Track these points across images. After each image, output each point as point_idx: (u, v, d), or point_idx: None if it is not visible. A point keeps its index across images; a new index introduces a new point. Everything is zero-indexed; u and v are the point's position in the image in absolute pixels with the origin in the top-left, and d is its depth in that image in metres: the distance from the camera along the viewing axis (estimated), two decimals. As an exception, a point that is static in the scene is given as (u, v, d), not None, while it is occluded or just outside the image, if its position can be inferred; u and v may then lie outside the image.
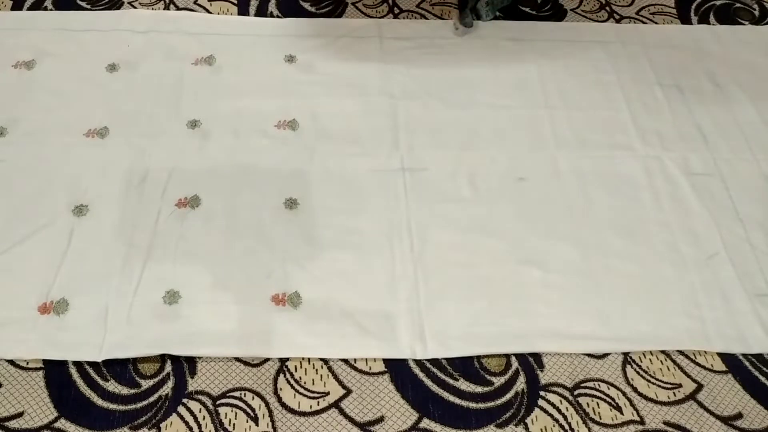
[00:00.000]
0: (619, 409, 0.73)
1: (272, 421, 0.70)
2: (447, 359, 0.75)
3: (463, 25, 1.06)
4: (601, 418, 0.72)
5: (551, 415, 0.72)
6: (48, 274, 0.78)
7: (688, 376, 0.75)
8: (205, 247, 0.81)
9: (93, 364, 0.73)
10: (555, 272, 0.82)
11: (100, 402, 0.70)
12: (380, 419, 0.71)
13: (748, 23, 1.16)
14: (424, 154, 0.92)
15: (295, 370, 0.74)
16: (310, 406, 0.71)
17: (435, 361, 0.75)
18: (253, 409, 0.71)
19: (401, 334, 0.76)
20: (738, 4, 1.19)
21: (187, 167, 0.88)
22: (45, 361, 0.73)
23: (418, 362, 0.75)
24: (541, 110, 0.99)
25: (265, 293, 0.78)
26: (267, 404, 0.71)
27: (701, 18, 1.16)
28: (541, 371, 0.75)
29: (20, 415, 0.69)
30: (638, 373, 0.75)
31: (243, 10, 1.11)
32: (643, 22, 1.14)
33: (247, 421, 0.70)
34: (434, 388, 0.73)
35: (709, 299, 0.80)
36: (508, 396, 0.73)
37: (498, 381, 0.74)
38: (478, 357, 0.76)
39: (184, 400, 0.71)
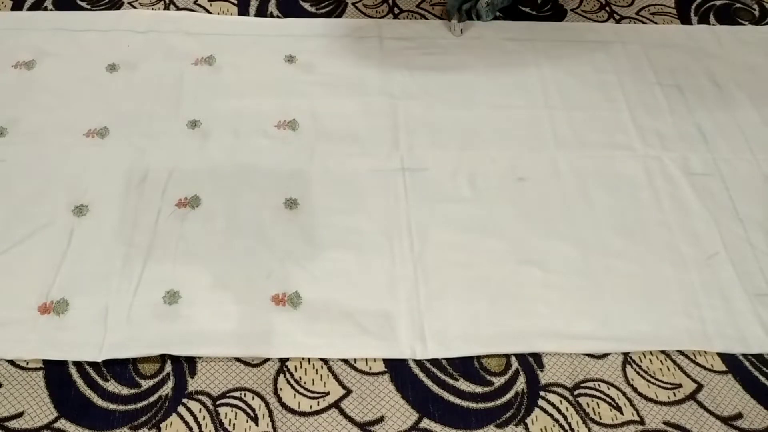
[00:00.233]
0: (619, 409, 0.73)
1: (272, 421, 0.70)
2: (447, 359, 0.75)
3: (458, 25, 1.05)
4: (601, 418, 0.72)
5: (551, 415, 0.72)
6: (48, 274, 0.78)
7: (688, 376, 0.75)
8: (205, 247, 0.81)
9: (93, 364, 0.73)
10: (555, 272, 0.82)
11: (100, 402, 0.70)
12: (380, 419, 0.71)
13: (748, 23, 1.16)
14: (424, 154, 0.92)
15: (295, 370, 0.74)
16: (310, 406, 0.71)
17: (435, 361, 0.75)
18: (253, 409, 0.71)
19: (401, 334, 0.76)
20: (738, 4, 1.19)
21: (187, 167, 0.88)
22: (45, 361, 0.73)
23: (418, 362, 0.75)
24: (541, 110, 0.99)
25: (265, 293, 0.78)
26: (267, 404, 0.71)
27: (701, 18, 1.16)
28: (541, 371, 0.75)
29: (20, 415, 0.69)
30: (638, 373, 0.75)
31: (243, 10, 1.11)
32: (643, 22, 1.14)
33: (247, 421, 0.70)
34: (434, 388, 0.73)
35: (709, 299, 0.80)
36: (508, 396, 0.73)
37: (498, 381, 0.74)
38: (478, 357, 0.76)
39: (184, 400, 0.71)
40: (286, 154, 0.91)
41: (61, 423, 0.69)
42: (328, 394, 0.72)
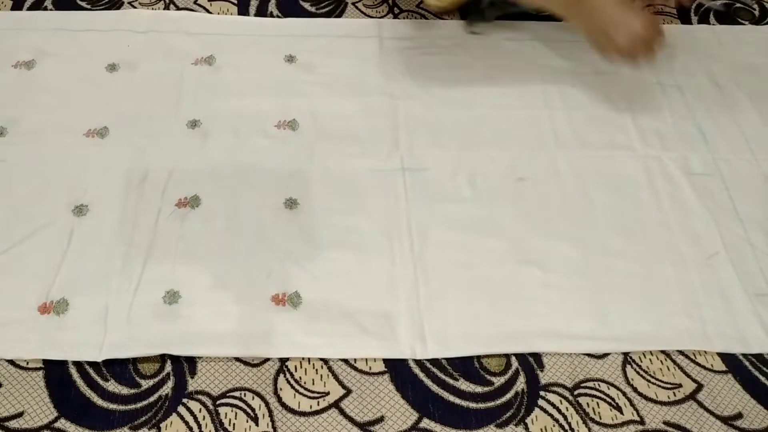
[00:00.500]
0: (619, 409, 0.73)
1: (272, 421, 0.70)
2: (447, 359, 0.75)
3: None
4: (601, 418, 0.72)
5: (551, 415, 0.72)
6: (48, 274, 0.77)
7: (688, 376, 0.75)
8: (205, 247, 0.81)
9: (93, 364, 0.73)
10: (555, 272, 0.82)
11: (100, 402, 0.70)
12: (380, 419, 0.71)
13: (748, 23, 1.16)
14: (424, 153, 0.92)
15: (295, 370, 0.74)
16: (310, 406, 0.71)
17: (435, 361, 0.75)
18: (253, 409, 0.71)
19: (401, 334, 0.76)
20: (738, 4, 1.19)
21: (187, 167, 0.88)
22: (45, 361, 0.73)
23: (418, 362, 0.75)
24: (541, 110, 0.99)
25: (265, 293, 0.78)
26: (267, 404, 0.71)
27: (701, 18, 1.16)
28: (541, 371, 0.75)
29: (20, 415, 0.69)
30: (638, 373, 0.75)
31: (243, 10, 1.11)
32: (643, 22, 1.14)
33: (247, 421, 0.70)
34: (434, 388, 0.73)
35: (709, 299, 0.80)
36: (508, 396, 0.73)
37: (498, 381, 0.74)
38: (478, 357, 0.76)
39: (184, 400, 0.71)
40: (286, 154, 0.91)
41: (61, 423, 0.69)
42: (328, 394, 0.72)
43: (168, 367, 0.73)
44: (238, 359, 0.74)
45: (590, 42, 0.94)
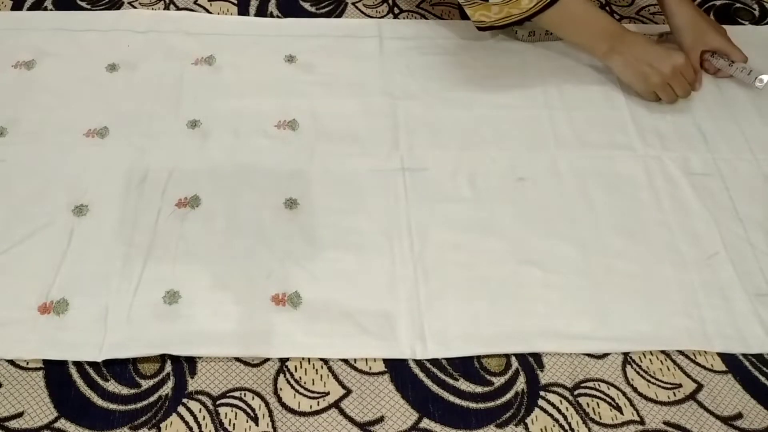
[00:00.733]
0: (619, 409, 0.73)
1: (272, 421, 0.70)
2: (447, 359, 0.75)
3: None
4: (601, 418, 0.72)
5: (551, 415, 0.72)
6: (48, 274, 0.77)
7: (688, 376, 0.75)
8: (205, 247, 0.81)
9: (93, 364, 0.73)
10: (555, 272, 0.82)
11: (100, 402, 0.70)
12: (380, 419, 0.71)
13: (748, 23, 1.16)
14: (424, 153, 0.92)
15: (295, 370, 0.74)
16: (310, 406, 0.71)
17: (435, 361, 0.75)
18: (253, 409, 0.71)
19: (401, 334, 0.76)
20: (738, 4, 1.19)
21: (187, 167, 0.88)
22: (45, 361, 0.73)
23: (418, 362, 0.75)
24: (541, 110, 0.99)
25: (265, 293, 0.78)
26: (267, 404, 0.71)
27: (701, 18, 1.15)
28: (541, 371, 0.75)
29: (20, 415, 0.69)
30: (638, 373, 0.75)
31: (243, 10, 1.11)
32: (643, 22, 1.14)
33: (247, 421, 0.70)
34: (434, 388, 0.73)
35: (709, 299, 0.80)
36: (508, 396, 0.73)
37: (498, 381, 0.74)
38: (478, 357, 0.76)
39: (184, 400, 0.71)
40: (286, 154, 0.91)
41: (61, 423, 0.69)
42: (328, 394, 0.72)
43: (168, 367, 0.73)
44: (238, 359, 0.74)
45: (628, 78, 0.98)
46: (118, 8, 1.09)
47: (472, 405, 0.72)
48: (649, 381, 0.75)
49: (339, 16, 1.11)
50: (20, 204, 0.83)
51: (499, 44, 1.07)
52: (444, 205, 0.87)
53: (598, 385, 0.74)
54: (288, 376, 0.73)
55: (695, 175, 0.92)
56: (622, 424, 0.72)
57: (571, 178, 0.91)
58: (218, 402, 0.71)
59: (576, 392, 0.74)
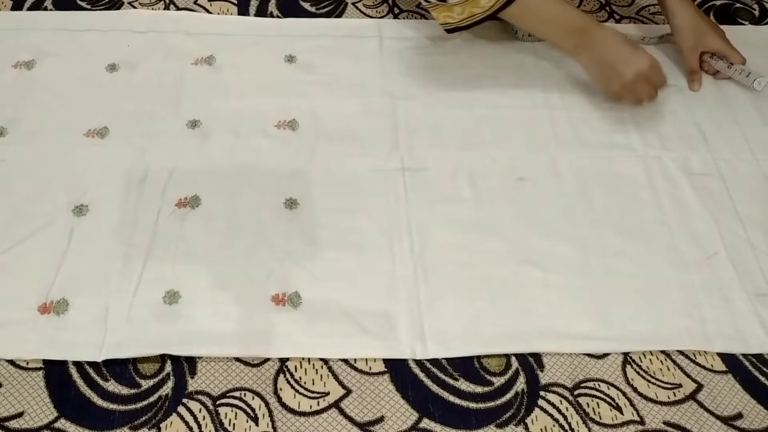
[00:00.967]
0: (619, 409, 0.73)
1: (272, 421, 0.70)
2: (447, 359, 0.75)
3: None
4: (601, 418, 0.72)
5: (551, 415, 0.72)
6: (48, 274, 0.77)
7: (688, 376, 0.75)
8: (205, 247, 0.81)
9: (93, 364, 0.73)
10: (555, 272, 0.82)
11: (100, 402, 0.70)
12: (380, 419, 0.71)
13: (748, 23, 1.16)
14: (424, 153, 0.92)
15: (295, 370, 0.74)
16: (310, 406, 0.71)
17: (435, 361, 0.75)
18: (253, 409, 0.71)
19: (401, 334, 0.76)
20: (738, 4, 1.19)
21: (187, 167, 0.88)
22: (45, 361, 0.73)
23: (418, 362, 0.75)
24: (541, 110, 0.99)
25: (265, 293, 0.78)
26: (267, 404, 0.71)
27: (701, 18, 1.15)
28: (541, 371, 0.75)
29: (20, 415, 0.69)
30: (638, 373, 0.75)
31: (243, 10, 1.11)
32: (643, 22, 1.14)
33: (247, 421, 0.70)
34: (434, 388, 0.73)
35: (709, 299, 0.80)
36: (508, 396, 0.73)
37: (498, 381, 0.74)
38: (478, 357, 0.76)
39: (184, 400, 0.71)
40: (286, 154, 0.91)
41: (61, 423, 0.69)
42: (328, 394, 0.72)
43: (168, 367, 0.73)
44: (238, 359, 0.74)
45: (593, 76, 0.97)
46: (118, 8, 1.09)
47: (472, 405, 0.72)
48: (649, 381, 0.75)
49: (339, 16, 1.11)
50: (20, 204, 0.83)
51: (499, 44, 1.07)
52: (444, 205, 0.87)
53: (598, 385, 0.74)
54: (288, 376, 0.73)
55: (695, 175, 0.92)
56: (622, 424, 0.72)
57: (571, 178, 0.91)
58: (218, 402, 0.71)
59: (576, 392, 0.74)
